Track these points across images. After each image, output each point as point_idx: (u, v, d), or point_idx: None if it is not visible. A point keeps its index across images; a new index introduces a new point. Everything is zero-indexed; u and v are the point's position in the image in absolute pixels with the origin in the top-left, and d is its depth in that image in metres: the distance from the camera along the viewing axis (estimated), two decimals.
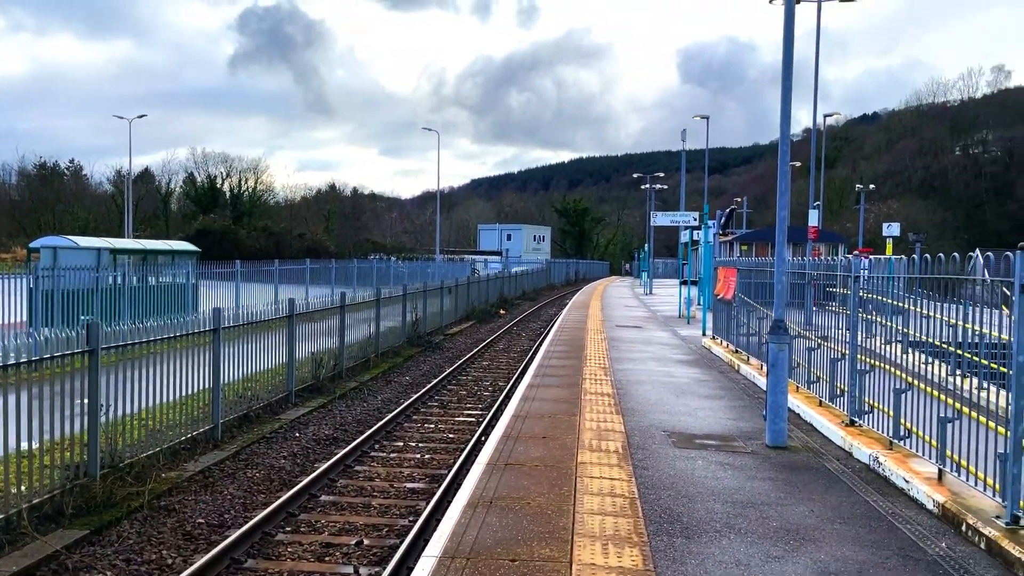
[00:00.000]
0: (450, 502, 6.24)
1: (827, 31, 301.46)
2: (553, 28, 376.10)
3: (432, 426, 12.07)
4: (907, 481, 6.04)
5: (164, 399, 9.42)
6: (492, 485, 6.11)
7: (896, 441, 6.62)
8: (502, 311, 34.55)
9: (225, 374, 10.89)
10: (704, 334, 18.44)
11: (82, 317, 17.84)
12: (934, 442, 5.97)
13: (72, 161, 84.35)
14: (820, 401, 8.75)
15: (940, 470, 5.94)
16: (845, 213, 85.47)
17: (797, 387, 9.69)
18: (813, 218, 21.22)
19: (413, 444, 10.87)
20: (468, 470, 7.67)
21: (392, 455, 10.26)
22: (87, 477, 7.90)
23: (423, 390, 14.72)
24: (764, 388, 10.38)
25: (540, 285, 57.04)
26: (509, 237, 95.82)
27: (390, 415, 12.38)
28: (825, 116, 23.23)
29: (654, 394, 10.16)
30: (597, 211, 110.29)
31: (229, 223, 64.37)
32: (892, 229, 26.78)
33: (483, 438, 10.14)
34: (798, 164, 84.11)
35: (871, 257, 13.62)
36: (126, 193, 52.38)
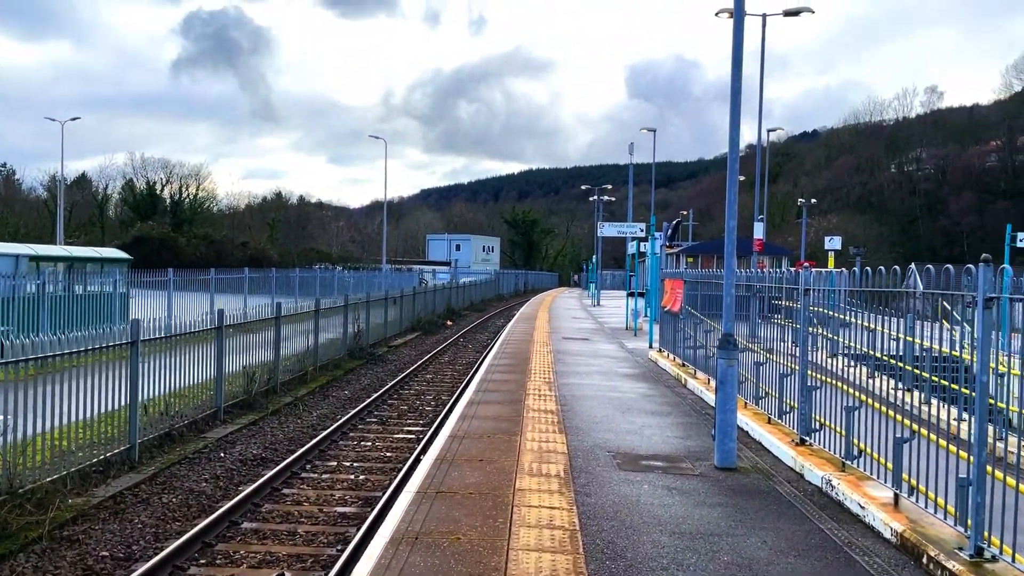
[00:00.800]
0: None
1: (769, 50, 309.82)
2: (502, 40, 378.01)
3: (369, 444, 11.50)
4: (862, 507, 5.74)
5: (76, 418, 8.70)
6: (420, 517, 5.61)
7: (848, 462, 6.35)
8: (449, 322, 34.01)
9: (145, 390, 10.17)
10: (651, 347, 18.22)
11: None
12: (888, 464, 5.70)
13: (4, 165, 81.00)
14: (769, 418, 8.48)
15: (896, 495, 5.67)
16: (786, 227, 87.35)
17: (745, 403, 9.45)
18: (759, 230, 21.28)
19: (348, 464, 10.29)
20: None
21: (324, 476, 9.67)
22: None
23: (362, 405, 14.13)
24: (712, 404, 10.14)
25: (489, 296, 56.61)
26: (458, 247, 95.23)
27: (325, 432, 11.78)
28: (768, 131, 23.50)
29: (599, 411, 9.78)
30: (546, 222, 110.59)
31: (168, 230, 62.54)
32: (834, 242, 27.14)
33: (421, 457, 9.63)
34: (743, 178, 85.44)
35: (813, 270, 13.58)
36: (58, 198, 50.28)
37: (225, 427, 11.88)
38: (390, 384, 16.47)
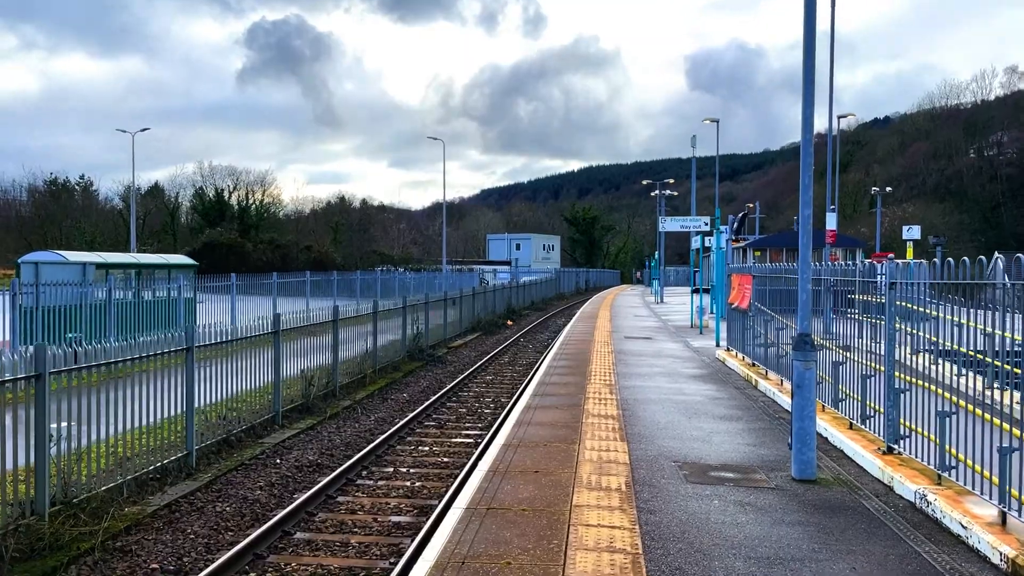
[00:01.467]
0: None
1: (837, 35, 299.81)
2: (559, 36, 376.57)
3: (427, 448, 11.23)
4: (964, 527, 5.09)
5: (133, 424, 8.65)
6: (468, 538, 5.22)
7: (944, 474, 5.68)
8: (509, 322, 33.71)
9: (202, 396, 10.12)
10: (718, 345, 17.49)
11: (68, 335, 17.15)
12: (993, 477, 5.07)
13: (82, 177, 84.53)
14: (850, 423, 7.79)
15: (1003, 513, 5.03)
16: (859, 217, 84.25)
17: (823, 406, 8.79)
18: (831, 221, 20.24)
19: (404, 470, 10.02)
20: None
21: (380, 483, 9.41)
22: (34, 516, 7.11)
23: (420, 408, 13.89)
24: (786, 408, 9.49)
25: (549, 295, 56.14)
26: (518, 247, 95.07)
27: (382, 437, 11.56)
28: (839, 118, 22.36)
29: (663, 415, 9.25)
30: (607, 219, 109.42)
31: (236, 236, 63.91)
32: (912, 232, 25.68)
33: (478, 463, 9.28)
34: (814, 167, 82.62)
35: (895, 262, 12.74)
36: (131, 207, 51.94)
37: (283, 432, 11.78)
38: (449, 386, 16.21)
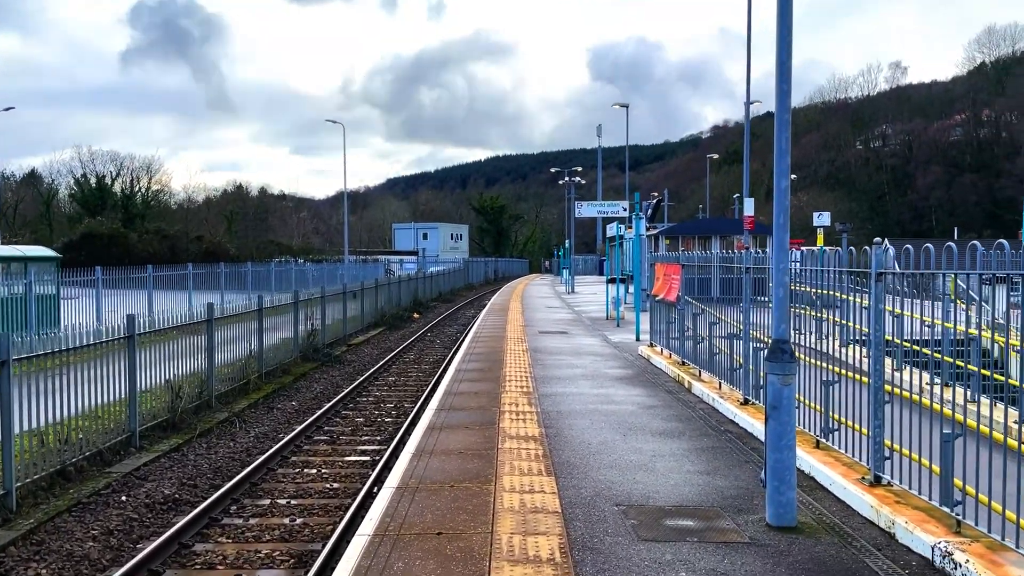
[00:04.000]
0: None
1: (730, 30, 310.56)
2: (461, 25, 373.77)
3: (314, 472, 9.55)
4: None
5: None
6: None
7: (964, 519, 4.45)
8: (416, 315, 32.01)
9: (28, 417, 8.13)
10: (638, 340, 16.37)
11: None
12: None
13: None
14: (816, 440, 6.59)
15: None
16: (759, 206, 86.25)
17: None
18: (749, 206, 19.49)
19: (283, 503, 8.33)
20: (349, 541, 5.22)
21: (251, 522, 7.70)
22: None
23: (311, 418, 12.17)
24: (729, 417, 8.29)
25: (458, 285, 54.61)
26: (425, 236, 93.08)
27: (261, 458, 9.80)
28: (747, 104, 21.77)
29: (594, 433, 7.75)
30: (515, 208, 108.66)
31: (119, 226, 59.39)
32: (822, 219, 25.50)
33: (376, 489, 7.65)
34: (715, 156, 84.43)
35: (802, 248, 11.90)
36: None
37: (139, 456, 9.84)
38: (346, 391, 14.50)
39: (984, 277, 4.52)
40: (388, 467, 8.24)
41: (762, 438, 7.20)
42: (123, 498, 8.29)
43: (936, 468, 4.72)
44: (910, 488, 4.97)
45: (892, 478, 5.24)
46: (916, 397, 5.20)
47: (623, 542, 4.55)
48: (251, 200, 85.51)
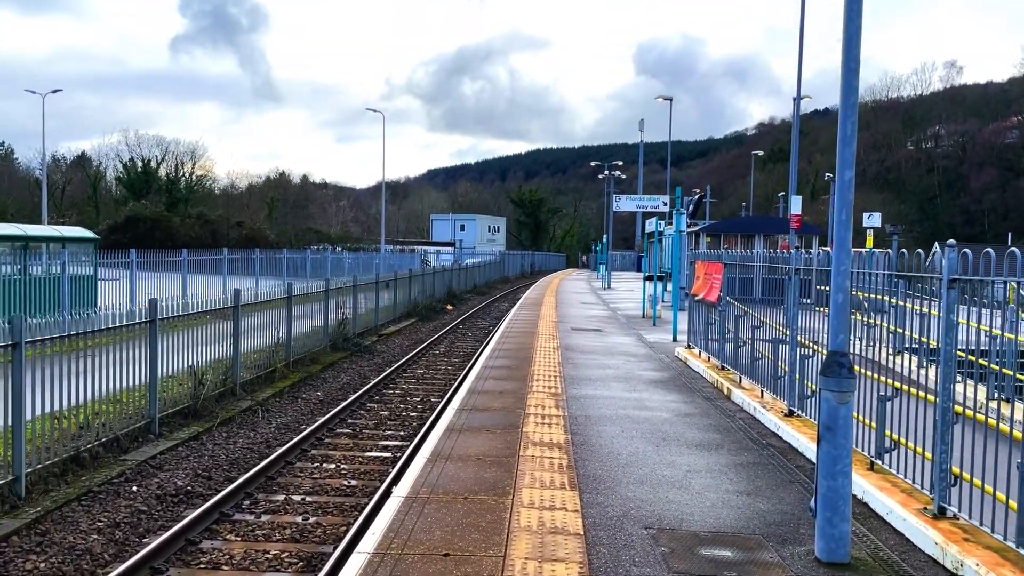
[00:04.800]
0: None
1: (777, 27, 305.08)
2: (505, 16, 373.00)
3: (332, 467, 9.22)
4: None
5: None
6: None
7: None
8: (449, 307, 31.70)
9: (37, 404, 7.93)
10: (675, 340, 15.77)
11: None
12: None
13: (2, 144, 78.93)
14: (871, 462, 5.97)
15: None
16: (805, 205, 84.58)
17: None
18: (796, 205, 18.67)
19: (298, 499, 8.00)
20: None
21: (263, 519, 7.38)
22: None
23: (336, 409, 11.88)
24: (772, 429, 7.72)
25: (493, 278, 54.26)
26: (463, 228, 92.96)
27: (281, 450, 9.51)
28: (797, 99, 20.87)
29: (624, 442, 7.24)
30: (554, 202, 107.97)
31: (162, 210, 60.19)
32: (872, 219, 24.45)
33: (392, 488, 7.27)
34: (760, 153, 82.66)
35: (797, 250, 11.22)
36: (42, 175, 48.06)
37: (157, 444, 9.62)
38: (373, 382, 14.19)
39: None
40: (405, 469, 7.85)
41: (808, 455, 6.66)
42: (134, 488, 8.04)
43: (1014, 504, 4.16)
44: (980, 524, 4.40)
45: (959, 510, 4.66)
46: (983, 418, 4.62)
47: (650, 571, 4.07)
48: (292, 187, 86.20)
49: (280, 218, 73.44)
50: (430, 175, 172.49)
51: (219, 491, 8.08)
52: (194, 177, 76.50)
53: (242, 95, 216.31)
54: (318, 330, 17.47)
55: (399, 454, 9.70)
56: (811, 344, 7.96)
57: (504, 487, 5.63)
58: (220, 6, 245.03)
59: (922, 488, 5.14)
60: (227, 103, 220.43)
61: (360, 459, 9.61)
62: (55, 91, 44.00)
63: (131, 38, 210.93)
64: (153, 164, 73.91)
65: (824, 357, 4.47)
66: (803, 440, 6.85)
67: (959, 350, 5.28)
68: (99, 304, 20.44)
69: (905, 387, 5.55)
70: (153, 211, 57.77)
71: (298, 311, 16.10)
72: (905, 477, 5.43)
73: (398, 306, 25.80)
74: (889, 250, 7.34)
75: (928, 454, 5.06)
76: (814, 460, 6.55)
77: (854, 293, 7.98)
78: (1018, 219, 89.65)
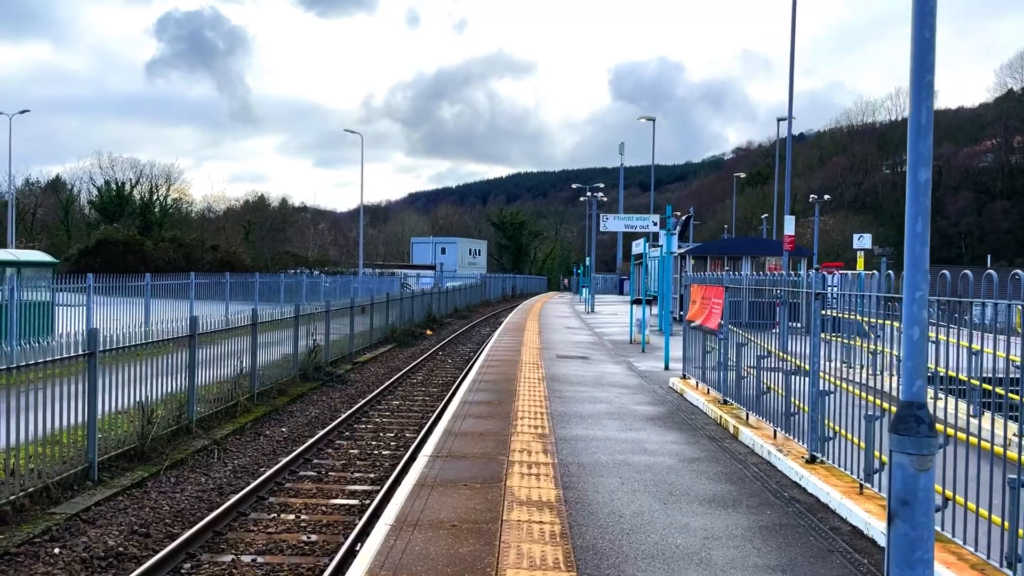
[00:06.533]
0: None
1: (753, 53, 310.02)
2: (484, 42, 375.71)
3: (292, 518, 8.17)
4: None
5: None
6: None
7: None
8: (429, 331, 30.68)
9: None
10: (667, 368, 14.85)
11: None
12: None
13: None
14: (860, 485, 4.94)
15: None
16: (783, 228, 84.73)
17: (861, 487, 5.90)
18: (790, 225, 17.89)
19: (248, 560, 6.94)
20: None
21: None
22: None
23: (301, 448, 10.83)
24: (792, 477, 6.72)
25: (474, 301, 53.31)
26: (443, 251, 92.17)
27: (234, 498, 8.45)
28: (779, 120, 20.29)
29: (627, 497, 6.26)
30: (535, 225, 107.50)
31: (135, 233, 58.80)
32: (863, 241, 23.78)
33: (357, 547, 6.22)
34: (742, 175, 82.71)
35: (839, 272, 10.45)
36: (9, 198, 46.62)
37: (94, 493, 8.52)
38: (344, 416, 13.16)
39: None
40: (367, 531, 6.79)
41: (843, 513, 5.73)
42: (56, 550, 6.93)
43: None
44: None
45: None
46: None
47: None
48: (271, 211, 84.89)
49: (257, 241, 72.14)
50: (411, 199, 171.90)
51: (156, 552, 7.02)
52: (169, 200, 75.19)
53: (220, 118, 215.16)
54: (288, 359, 16.40)
55: (367, 501, 8.67)
56: (828, 377, 7.07)
57: (484, 567, 4.58)
58: (196, 30, 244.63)
59: (995, 562, 4.18)
60: (205, 127, 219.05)
61: (323, 508, 8.57)
62: (23, 111, 42.76)
63: (109, 61, 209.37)
64: (127, 187, 72.51)
65: (895, 409, 3.54)
66: (835, 495, 5.90)
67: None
68: (57, 332, 19.26)
69: (963, 435, 4.65)
70: (125, 235, 56.47)
71: (265, 339, 15.05)
72: (970, 546, 4.49)
73: (375, 331, 24.75)
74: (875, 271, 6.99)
75: (996, 518, 4.13)
76: (849, 520, 5.66)
77: (852, 316, 7.17)
78: (995, 242, 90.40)
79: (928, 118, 3.19)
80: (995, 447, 4.29)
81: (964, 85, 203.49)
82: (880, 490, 5.72)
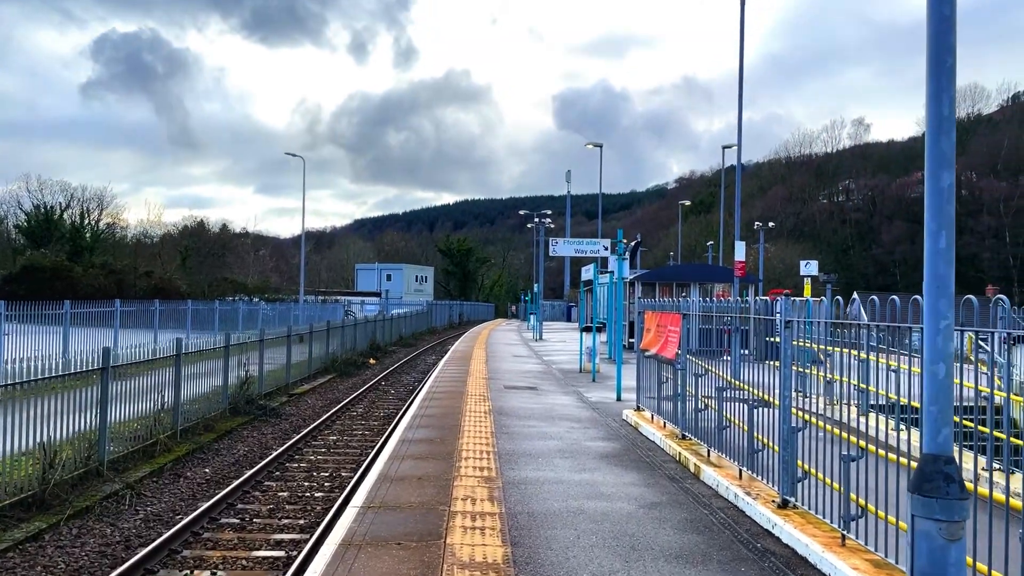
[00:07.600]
0: None
1: (696, 81, 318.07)
2: (431, 69, 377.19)
3: (206, 575, 7.24)
4: None
5: None
6: None
7: None
8: (372, 360, 29.66)
9: None
10: (619, 399, 14.28)
11: None
12: None
13: None
14: (843, 536, 4.41)
15: None
16: (729, 253, 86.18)
17: (843, 538, 5.34)
18: (740, 251, 17.65)
19: None
20: None
21: None
22: None
23: (225, 491, 9.88)
24: (763, 524, 6.10)
25: (420, 329, 52.30)
26: (389, 277, 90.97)
27: (142, 553, 7.50)
28: (724, 148, 20.20)
29: (584, 555, 5.49)
30: (482, 252, 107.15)
31: (63, 259, 56.27)
32: (810, 268, 23.80)
33: None
34: (687, 203, 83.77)
35: (787, 298, 10.12)
36: None
37: None
38: (275, 454, 12.20)
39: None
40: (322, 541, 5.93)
41: (824, 568, 5.14)
42: None
43: None
44: None
45: None
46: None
47: None
48: (210, 236, 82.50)
49: (194, 268, 69.82)
50: (357, 225, 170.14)
51: None
52: (102, 225, 72.47)
53: (159, 143, 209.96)
54: (217, 391, 15.34)
55: (294, 552, 7.80)
56: (799, 412, 6.55)
57: None
58: (134, 52, 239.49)
59: None
60: (144, 151, 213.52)
61: (244, 562, 7.67)
62: None
63: (43, 83, 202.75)
64: (57, 211, 69.64)
65: (916, 464, 2.94)
66: (815, 547, 5.28)
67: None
68: None
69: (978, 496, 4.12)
70: (53, 260, 53.99)
71: (192, 370, 14.01)
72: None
73: (314, 361, 23.69)
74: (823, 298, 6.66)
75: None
76: None
77: (804, 344, 6.77)
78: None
79: (950, 109, 2.66)
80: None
81: (895, 119, 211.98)
82: (859, 538, 5.16)
